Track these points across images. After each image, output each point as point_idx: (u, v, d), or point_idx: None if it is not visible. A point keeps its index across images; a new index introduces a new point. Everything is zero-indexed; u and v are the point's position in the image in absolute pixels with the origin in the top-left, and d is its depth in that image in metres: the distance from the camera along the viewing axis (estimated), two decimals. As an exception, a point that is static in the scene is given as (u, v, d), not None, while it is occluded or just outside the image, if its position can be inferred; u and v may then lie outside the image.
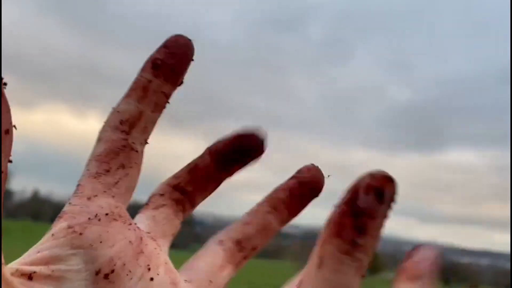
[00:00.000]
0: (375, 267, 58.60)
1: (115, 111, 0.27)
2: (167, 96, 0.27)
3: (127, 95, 0.27)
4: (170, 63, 0.27)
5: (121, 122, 0.26)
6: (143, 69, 0.27)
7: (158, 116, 0.28)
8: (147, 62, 0.27)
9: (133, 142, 0.26)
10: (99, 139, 0.26)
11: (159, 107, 0.27)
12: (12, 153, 0.23)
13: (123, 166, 0.26)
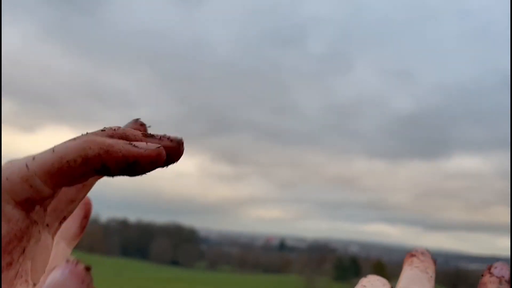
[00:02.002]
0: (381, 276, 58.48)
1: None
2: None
3: None
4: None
5: (26, 200, 0.20)
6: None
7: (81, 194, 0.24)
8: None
9: (35, 221, 0.21)
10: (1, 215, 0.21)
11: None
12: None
13: (24, 253, 0.21)
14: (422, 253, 0.23)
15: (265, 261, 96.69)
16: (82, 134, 0.22)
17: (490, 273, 0.22)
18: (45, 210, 0.22)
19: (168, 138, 0.25)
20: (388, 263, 75.70)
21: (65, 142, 0.21)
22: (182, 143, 0.26)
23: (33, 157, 0.21)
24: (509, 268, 0.22)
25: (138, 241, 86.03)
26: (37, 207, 0.21)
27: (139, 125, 0.25)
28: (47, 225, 0.22)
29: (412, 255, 0.23)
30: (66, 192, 0.22)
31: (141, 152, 0.21)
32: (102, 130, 0.22)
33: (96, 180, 0.24)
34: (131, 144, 0.22)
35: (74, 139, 0.21)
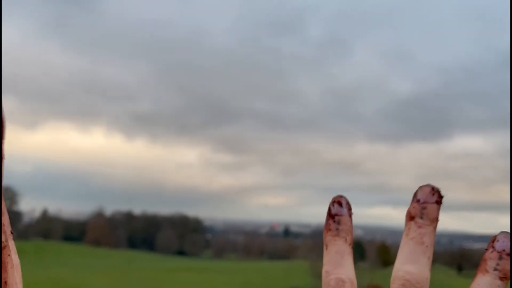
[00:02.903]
0: (386, 260, 58.77)
1: None
2: None
3: None
4: None
5: None
6: None
7: None
8: None
9: (5, 246, 0.22)
10: None
11: None
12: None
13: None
14: (422, 212, 0.22)
15: (271, 247, 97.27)
16: None
17: (492, 247, 0.22)
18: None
19: None
20: (392, 246, 76.07)
21: None
22: None
23: None
24: (510, 240, 0.22)
25: (144, 232, 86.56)
26: None
27: None
28: (5, 246, 0.22)
29: (411, 218, 0.22)
30: None
31: None
32: None
33: None
34: None
35: None
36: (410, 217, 0.22)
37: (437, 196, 0.22)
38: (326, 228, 0.23)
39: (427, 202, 0.22)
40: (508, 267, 0.21)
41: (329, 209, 0.23)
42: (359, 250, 64.34)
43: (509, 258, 0.21)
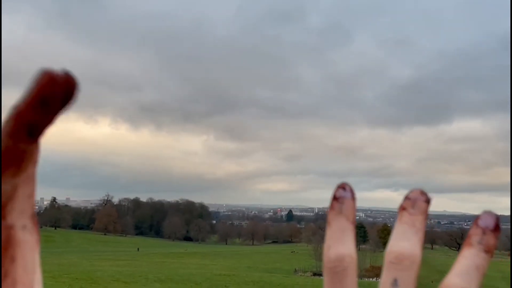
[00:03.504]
0: (387, 242, 59.25)
1: None
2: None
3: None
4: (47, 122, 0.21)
5: None
6: (14, 135, 0.21)
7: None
8: (18, 124, 0.21)
9: (12, 225, 0.22)
10: None
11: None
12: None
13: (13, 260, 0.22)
14: (413, 205, 0.24)
15: (274, 232, 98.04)
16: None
17: (476, 224, 0.23)
18: (15, 211, 0.22)
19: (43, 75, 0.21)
20: (392, 227, 76.31)
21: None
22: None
23: None
24: (495, 218, 0.23)
25: (151, 219, 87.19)
26: (8, 209, 0.21)
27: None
28: (24, 226, 0.23)
29: (403, 209, 0.24)
30: (23, 190, 0.22)
31: (36, 84, 0.20)
32: None
33: (35, 166, 0.22)
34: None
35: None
36: (402, 208, 0.24)
37: (425, 197, 0.24)
38: (330, 209, 0.25)
39: (417, 200, 0.24)
40: (491, 242, 0.22)
41: (334, 193, 0.24)
42: (361, 232, 64.75)
43: (491, 234, 0.22)
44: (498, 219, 0.23)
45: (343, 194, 0.24)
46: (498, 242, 0.23)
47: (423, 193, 0.24)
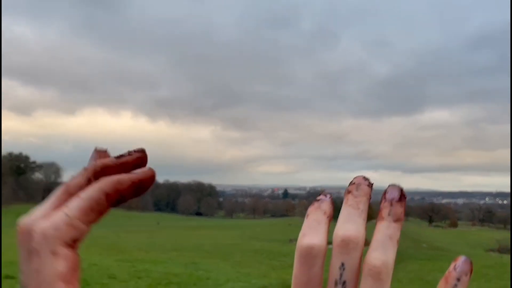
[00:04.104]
0: (368, 215, 59.37)
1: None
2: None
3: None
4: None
5: (73, 240, 0.23)
6: (109, 199, 0.23)
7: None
8: (116, 195, 0.23)
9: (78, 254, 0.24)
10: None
11: None
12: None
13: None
14: (357, 188, 0.23)
15: (273, 207, 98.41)
16: (83, 169, 0.24)
17: (384, 198, 0.23)
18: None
19: (134, 151, 0.25)
20: (373, 203, 76.33)
21: (88, 190, 0.22)
22: (144, 149, 0.26)
23: (66, 207, 0.22)
24: (399, 189, 0.23)
25: (167, 197, 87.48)
26: (79, 243, 0.22)
27: (104, 152, 0.25)
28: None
29: (348, 192, 0.23)
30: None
31: (142, 176, 0.23)
32: (84, 170, 0.23)
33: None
34: (131, 172, 0.23)
35: (88, 182, 0.23)
36: (348, 192, 0.23)
37: (368, 182, 0.23)
38: (310, 206, 0.24)
39: (360, 184, 0.23)
40: (399, 211, 0.22)
41: (316, 197, 0.24)
42: (346, 207, 65.03)
43: (398, 204, 0.22)
44: (402, 190, 0.23)
45: (323, 198, 0.24)
46: (404, 209, 0.22)
47: (366, 178, 0.24)
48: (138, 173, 0.24)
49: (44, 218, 0.22)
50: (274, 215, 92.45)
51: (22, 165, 72.24)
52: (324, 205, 0.23)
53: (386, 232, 0.22)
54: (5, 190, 58.98)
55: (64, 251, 0.21)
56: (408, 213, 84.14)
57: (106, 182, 0.22)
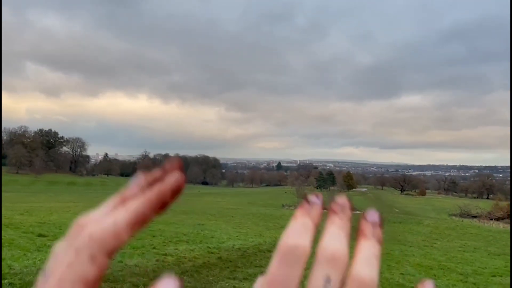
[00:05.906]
0: (350, 185, 59.92)
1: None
2: None
3: None
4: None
5: (115, 250, 0.20)
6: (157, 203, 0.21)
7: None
8: (159, 202, 0.21)
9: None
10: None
11: None
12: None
13: None
14: (342, 210, 0.21)
15: (268, 177, 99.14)
16: (133, 183, 0.21)
17: (365, 219, 0.21)
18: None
19: (168, 163, 0.23)
20: (354, 174, 77.43)
21: (137, 201, 0.20)
22: (181, 159, 0.23)
23: (114, 217, 0.20)
24: (378, 215, 0.21)
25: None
26: (117, 253, 0.20)
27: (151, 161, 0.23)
28: None
29: (334, 211, 0.21)
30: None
31: (175, 183, 0.21)
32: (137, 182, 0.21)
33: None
34: (165, 179, 0.21)
35: (136, 195, 0.20)
36: (333, 211, 0.21)
37: (349, 205, 0.21)
38: (299, 207, 0.21)
39: (345, 207, 0.21)
40: (380, 234, 0.20)
41: (307, 197, 0.21)
42: (331, 178, 65.42)
43: (378, 228, 0.20)
44: (381, 216, 0.21)
45: (315, 200, 0.21)
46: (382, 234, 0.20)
47: (348, 200, 0.21)
48: (171, 180, 0.21)
49: (97, 222, 0.20)
50: (269, 184, 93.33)
51: (51, 140, 72.17)
52: (314, 212, 0.20)
53: (373, 250, 0.20)
54: (37, 162, 59.12)
55: (102, 259, 0.19)
56: (383, 183, 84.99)
57: (152, 194, 0.21)
